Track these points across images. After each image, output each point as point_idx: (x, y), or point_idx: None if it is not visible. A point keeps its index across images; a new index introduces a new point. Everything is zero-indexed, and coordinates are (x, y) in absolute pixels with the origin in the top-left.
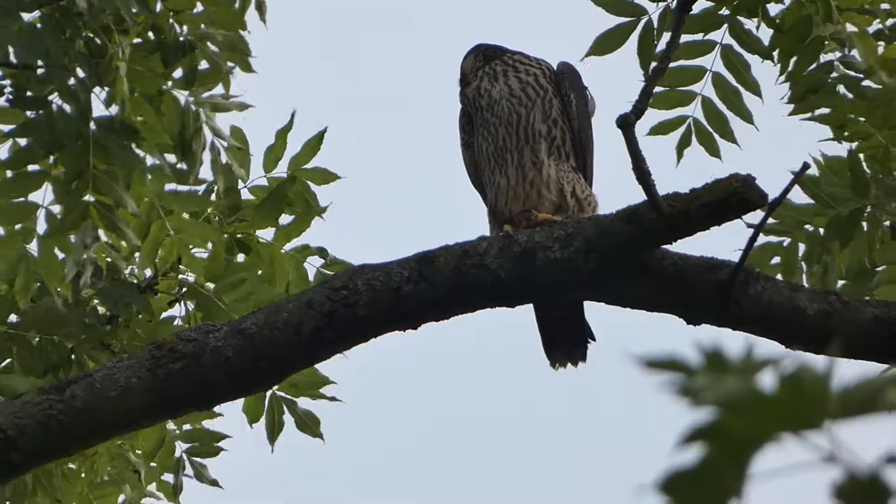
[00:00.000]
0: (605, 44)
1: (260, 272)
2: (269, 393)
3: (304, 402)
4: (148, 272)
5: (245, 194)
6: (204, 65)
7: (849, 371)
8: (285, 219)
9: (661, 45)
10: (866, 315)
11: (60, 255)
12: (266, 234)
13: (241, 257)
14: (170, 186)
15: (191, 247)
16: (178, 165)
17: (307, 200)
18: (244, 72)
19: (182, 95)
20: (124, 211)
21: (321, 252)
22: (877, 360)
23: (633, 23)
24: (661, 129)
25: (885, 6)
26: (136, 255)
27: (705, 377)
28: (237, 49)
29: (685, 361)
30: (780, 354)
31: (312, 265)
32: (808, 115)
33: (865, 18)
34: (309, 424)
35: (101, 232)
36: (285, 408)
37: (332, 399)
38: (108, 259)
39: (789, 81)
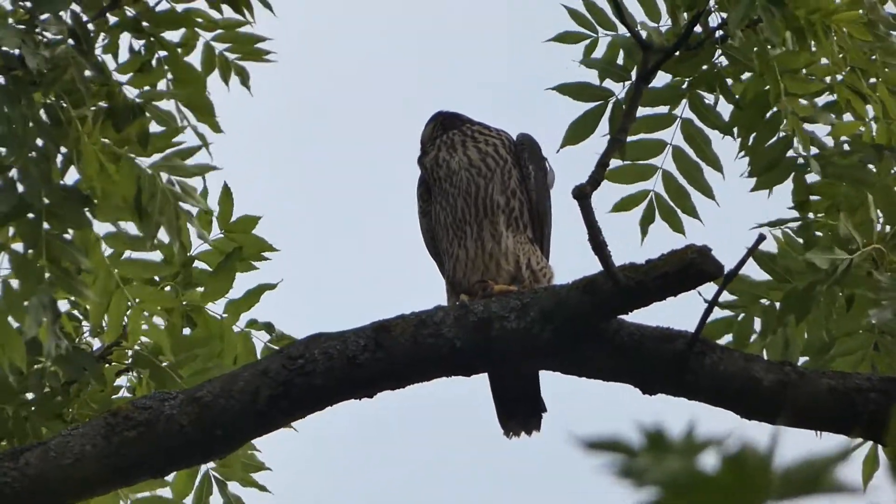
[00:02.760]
0: (578, 131)
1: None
2: (203, 469)
3: (234, 486)
4: (98, 343)
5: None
6: (157, 127)
7: (800, 444)
8: (237, 292)
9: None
10: (822, 386)
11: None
12: (215, 305)
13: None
14: (125, 255)
15: (146, 314)
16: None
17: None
18: (213, 132)
19: (139, 160)
20: (87, 276)
21: (268, 327)
22: (833, 430)
23: (602, 106)
24: (623, 205)
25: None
26: (104, 323)
27: (647, 458)
28: (205, 115)
29: (627, 442)
30: (721, 433)
31: (260, 339)
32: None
33: (808, 107)
34: None
35: (59, 303)
36: (216, 488)
37: (262, 489)
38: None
39: (749, 156)
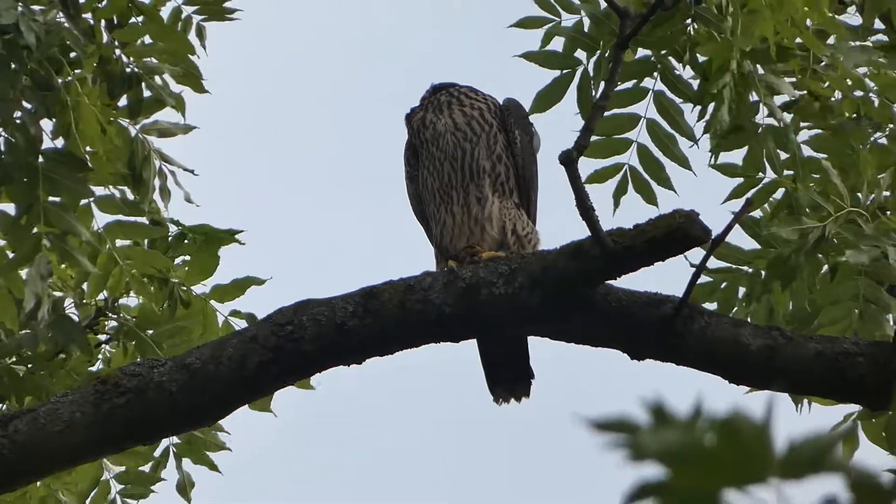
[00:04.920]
0: (546, 99)
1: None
2: (166, 442)
3: (187, 463)
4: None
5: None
6: (147, 93)
7: (800, 418)
8: (225, 277)
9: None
10: (809, 350)
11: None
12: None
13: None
14: (113, 217)
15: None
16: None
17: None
18: (197, 93)
19: (129, 125)
20: (75, 239)
21: (250, 319)
22: (820, 395)
23: (570, 74)
24: (597, 177)
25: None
26: (84, 285)
27: (650, 434)
28: (189, 74)
29: (631, 420)
30: (723, 409)
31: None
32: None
33: (775, 71)
34: (185, 486)
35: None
36: (173, 462)
37: (212, 467)
38: (55, 294)
39: (713, 124)
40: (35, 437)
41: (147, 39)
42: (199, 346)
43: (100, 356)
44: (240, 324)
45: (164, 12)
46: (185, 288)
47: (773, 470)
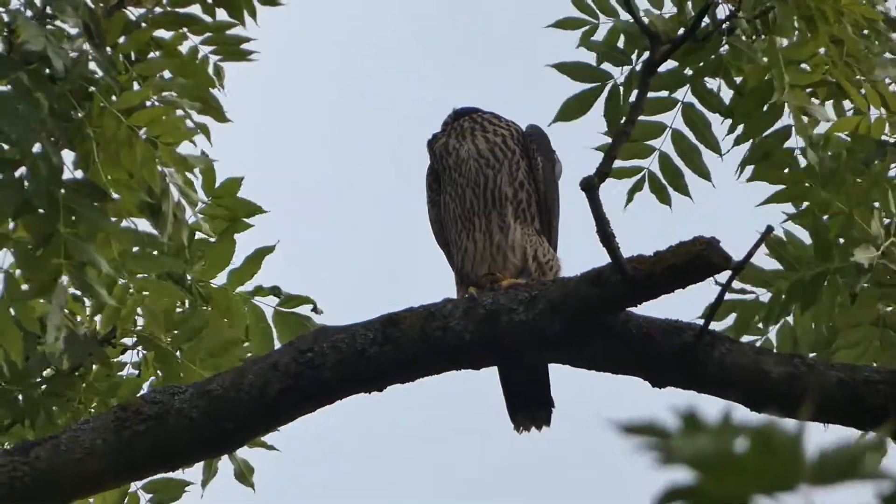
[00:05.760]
0: (572, 109)
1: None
2: None
3: (241, 450)
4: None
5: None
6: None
7: (824, 435)
8: (236, 261)
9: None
10: (830, 378)
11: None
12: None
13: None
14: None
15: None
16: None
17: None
18: (219, 122)
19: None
20: (92, 270)
21: (274, 291)
22: (841, 423)
23: (599, 88)
24: (614, 174)
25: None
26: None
27: (681, 439)
28: (209, 107)
29: (661, 424)
30: (755, 418)
31: (269, 305)
32: (767, 188)
33: (804, 95)
34: (245, 473)
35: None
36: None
37: (270, 447)
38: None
39: (745, 142)
40: (56, 465)
41: (166, 73)
42: (221, 374)
43: (130, 360)
44: (266, 302)
45: (182, 48)
46: (201, 283)
47: (804, 478)
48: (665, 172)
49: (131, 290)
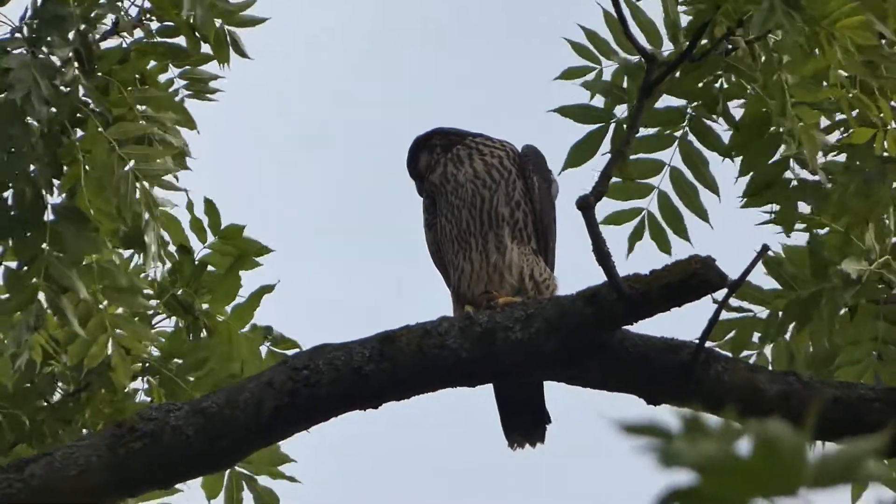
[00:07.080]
0: (580, 153)
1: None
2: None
3: (263, 480)
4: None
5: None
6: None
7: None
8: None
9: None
10: (826, 396)
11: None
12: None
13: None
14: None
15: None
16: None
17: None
18: (182, 169)
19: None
20: (72, 297)
21: (267, 331)
22: (837, 440)
23: (604, 128)
24: (615, 218)
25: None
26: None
27: (683, 441)
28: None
29: (664, 426)
30: (756, 423)
31: (265, 345)
32: (763, 211)
33: (815, 112)
34: (268, 501)
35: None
36: (244, 484)
37: (292, 479)
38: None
39: (745, 175)
40: (51, 481)
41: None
42: (216, 391)
43: (142, 387)
44: (262, 343)
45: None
46: (207, 314)
47: (806, 481)
48: (664, 213)
49: (107, 326)
